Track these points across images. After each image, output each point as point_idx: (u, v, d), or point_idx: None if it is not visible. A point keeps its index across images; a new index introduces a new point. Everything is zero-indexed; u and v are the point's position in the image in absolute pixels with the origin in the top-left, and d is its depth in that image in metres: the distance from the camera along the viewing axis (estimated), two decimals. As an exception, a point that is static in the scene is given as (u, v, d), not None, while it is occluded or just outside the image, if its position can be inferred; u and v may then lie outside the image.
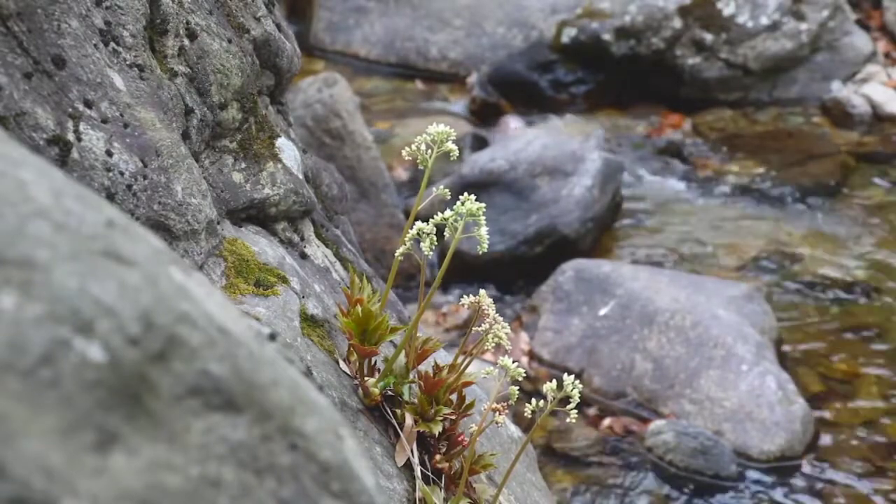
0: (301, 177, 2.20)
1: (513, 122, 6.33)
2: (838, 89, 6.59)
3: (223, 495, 0.79)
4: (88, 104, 1.73)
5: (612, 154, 5.79)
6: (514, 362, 1.80)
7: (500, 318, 1.88)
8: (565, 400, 1.78)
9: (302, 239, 2.21)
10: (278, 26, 2.24)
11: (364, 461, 0.95)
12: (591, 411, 4.47)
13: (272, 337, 1.12)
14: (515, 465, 1.92)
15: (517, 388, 1.84)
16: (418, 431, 1.89)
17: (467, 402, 1.93)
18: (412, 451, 1.88)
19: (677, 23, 6.60)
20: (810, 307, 5.04)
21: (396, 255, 1.85)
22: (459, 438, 1.92)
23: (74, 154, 1.67)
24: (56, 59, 1.69)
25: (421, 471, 1.88)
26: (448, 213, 1.75)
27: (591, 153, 5.52)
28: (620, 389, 4.51)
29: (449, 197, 1.87)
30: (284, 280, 1.97)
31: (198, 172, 1.89)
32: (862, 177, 6.02)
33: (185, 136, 1.93)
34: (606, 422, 4.42)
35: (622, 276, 4.78)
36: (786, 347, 4.75)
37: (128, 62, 1.84)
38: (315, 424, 0.89)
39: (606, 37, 6.62)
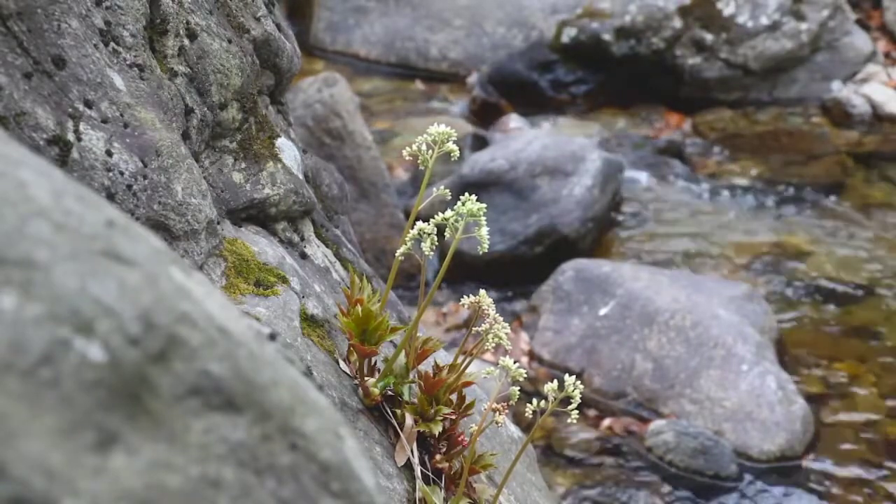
0: (301, 177, 2.20)
1: (513, 122, 6.33)
2: (838, 89, 6.59)
3: (223, 495, 0.79)
4: (88, 104, 1.73)
5: (612, 154, 5.79)
6: (514, 362, 1.80)
7: (500, 318, 1.88)
8: (566, 400, 1.78)
9: (302, 239, 2.20)
10: (278, 26, 2.24)
11: (364, 461, 0.95)
12: (592, 412, 4.47)
13: (272, 337, 1.12)
14: (515, 465, 1.92)
15: (518, 388, 1.84)
16: (418, 431, 1.89)
17: (467, 402, 1.92)
18: (412, 451, 1.88)
19: (677, 23, 6.60)
20: (810, 307, 5.04)
21: (397, 255, 1.84)
22: (459, 438, 1.92)
23: (74, 154, 1.67)
24: (56, 59, 1.69)
25: (421, 471, 1.88)
26: (448, 213, 1.75)
27: (591, 153, 5.53)
28: (620, 389, 4.51)
29: (449, 197, 1.87)
30: (284, 280, 1.97)
31: (198, 172, 1.89)
32: (862, 177, 6.02)
33: (185, 136, 1.93)
34: (606, 422, 4.41)
35: (622, 276, 4.78)
36: (786, 347, 4.74)
37: (128, 62, 1.84)
38: (315, 424, 0.89)
39: (606, 37, 6.62)
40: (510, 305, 5.04)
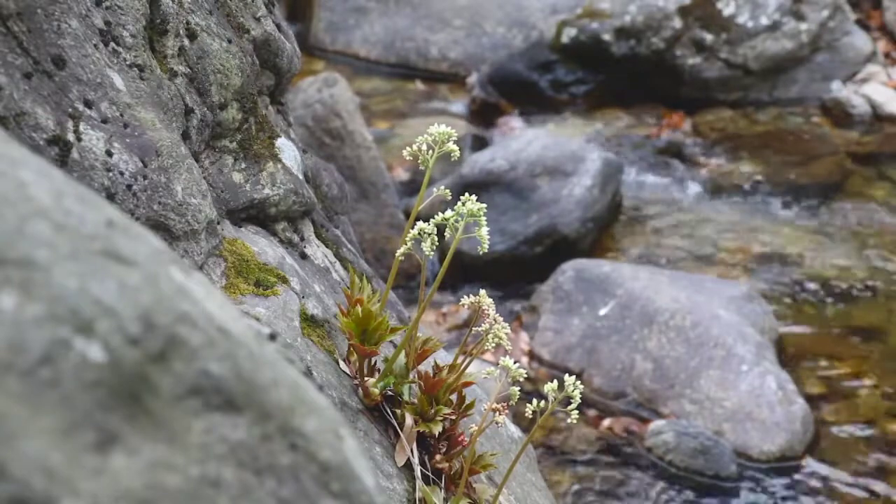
0: (301, 177, 2.20)
1: (513, 122, 6.33)
2: (838, 89, 6.59)
3: (223, 495, 0.79)
4: (88, 104, 1.73)
5: (612, 154, 5.79)
6: (514, 362, 1.80)
7: (500, 318, 1.88)
8: (566, 400, 1.78)
9: (302, 239, 2.20)
10: (278, 26, 2.24)
11: (364, 461, 0.95)
12: (592, 412, 4.46)
13: (272, 337, 1.12)
14: (515, 465, 1.92)
15: (518, 388, 1.84)
16: (418, 431, 1.89)
17: (467, 402, 1.92)
18: (412, 451, 1.88)
19: (677, 23, 6.60)
20: (810, 307, 5.04)
21: (397, 255, 1.84)
22: (459, 438, 1.92)
23: (74, 154, 1.67)
24: (56, 59, 1.69)
25: (421, 471, 1.88)
26: (449, 213, 1.75)
27: (591, 153, 5.53)
28: (620, 389, 4.51)
29: (449, 197, 1.87)
30: (284, 280, 1.97)
31: (198, 172, 1.89)
32: (862, 177, 6.01)
33: (185, 136, 1.93)
34: (606, 422, 4.41)
35: (622, 276, 4.78)
36: (786, 347, 4.74)
37: (128, 62, 1.84)
38: (315, 424, 0.89)
39: (606, 37, 6.62)
40: (510, 305, 5.04)
